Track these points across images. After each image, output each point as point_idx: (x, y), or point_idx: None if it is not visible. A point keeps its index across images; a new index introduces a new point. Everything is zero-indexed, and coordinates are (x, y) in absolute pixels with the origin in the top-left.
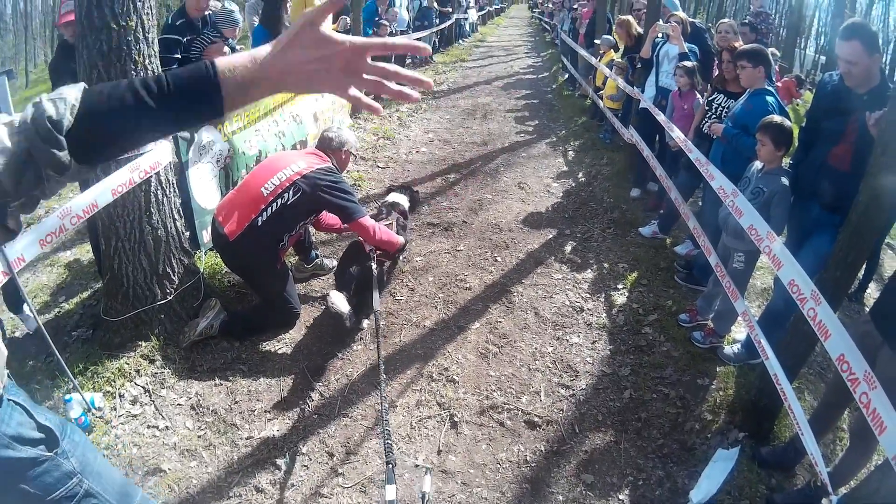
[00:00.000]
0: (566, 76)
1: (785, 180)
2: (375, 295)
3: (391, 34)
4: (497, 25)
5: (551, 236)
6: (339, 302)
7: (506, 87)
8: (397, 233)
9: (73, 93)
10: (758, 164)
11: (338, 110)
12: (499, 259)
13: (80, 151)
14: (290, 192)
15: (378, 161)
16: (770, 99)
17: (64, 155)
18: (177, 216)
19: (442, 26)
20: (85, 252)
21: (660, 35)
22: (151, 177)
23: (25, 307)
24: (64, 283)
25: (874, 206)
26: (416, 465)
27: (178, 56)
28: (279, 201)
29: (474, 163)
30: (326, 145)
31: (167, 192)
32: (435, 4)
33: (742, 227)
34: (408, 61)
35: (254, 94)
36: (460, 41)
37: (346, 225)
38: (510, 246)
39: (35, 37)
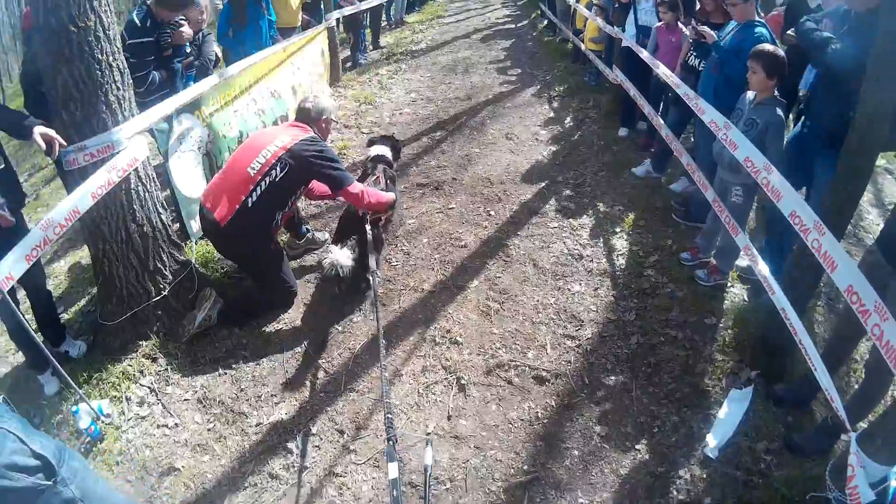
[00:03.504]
0: (545, 22)
1: (779, 111)
2: (372, 259)
3: None
4: None
5: (543, 185)
6: (341, 257)
7: (485, 38)
8: (387, 187)
9: None
10: (750, 95)
11: (315, 80)
12: (492, 213)
13: None
14: (278, 168)
15: (362, 127)
16: (762, 30)
17: None
18: (161, 210)
19: None
20: (79, 257)
21: None
22: (130, 174)
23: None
24: (63, 294)
25: (870, 132)
26: (423, 438)
27: (153, 58)
28: (267, 179)
29: (459, 118)
30: (306, 116)
31: (148, 187)
32: None
33: (738, 159)
34: (383, 24)
35: None
36: None
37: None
38: (503, 199)
39: (6, 51)
